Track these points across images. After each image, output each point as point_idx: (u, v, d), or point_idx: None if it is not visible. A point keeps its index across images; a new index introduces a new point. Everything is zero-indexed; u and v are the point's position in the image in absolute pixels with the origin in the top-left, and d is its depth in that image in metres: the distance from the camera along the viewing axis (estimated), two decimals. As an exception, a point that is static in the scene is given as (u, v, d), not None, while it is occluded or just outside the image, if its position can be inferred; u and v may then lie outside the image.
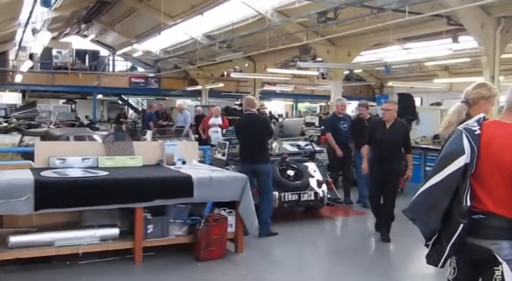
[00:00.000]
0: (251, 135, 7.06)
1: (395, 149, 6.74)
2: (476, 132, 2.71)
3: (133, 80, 29.10)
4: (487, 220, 2.66)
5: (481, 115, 2.83)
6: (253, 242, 6.44)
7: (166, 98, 30.73)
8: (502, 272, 2.64)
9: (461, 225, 2.64)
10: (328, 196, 8.05)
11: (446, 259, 2.76)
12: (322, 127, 11.37)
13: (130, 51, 25.20)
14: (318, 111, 31.70)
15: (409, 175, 6.85)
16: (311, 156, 9.07)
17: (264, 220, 6.74)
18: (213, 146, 10.71)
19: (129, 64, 32.61)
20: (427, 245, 2.84)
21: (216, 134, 12.71)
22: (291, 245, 6.72)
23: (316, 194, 7.86)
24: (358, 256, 6.34)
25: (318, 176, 8.18)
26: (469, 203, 2.65)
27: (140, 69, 32.19)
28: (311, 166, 8.41)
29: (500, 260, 2.64)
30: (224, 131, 12.94)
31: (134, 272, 5.37)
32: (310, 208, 8.36)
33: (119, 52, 28.29)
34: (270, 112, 25.96)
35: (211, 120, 13.34)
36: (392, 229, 6.68)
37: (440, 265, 2.77)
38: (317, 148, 10.49)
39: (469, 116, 3.40)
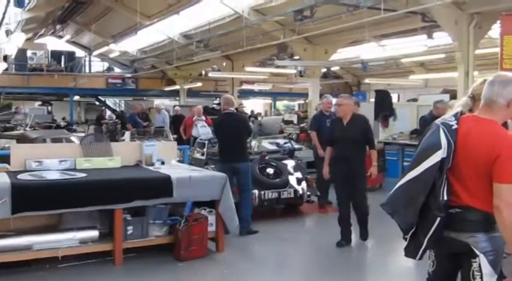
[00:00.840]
0: (230, 134, 7.06)
1: (354, 147, 6.23)
2: (453, 127, 2.76)
3: (110, 80, 28.86)
4: (463, 214, 2.72)
5: (459, 110, 2.89)
6: (234, 241, 6.45)
7: (144, 98, 30.54)
8: (479, 264, 2.71)
9: (438, 219, 2.70)
10: (308, 193, 8.09)
11: (423, 252, 2.82)
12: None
13: (107, 52, 24.99)
14: (296, 109, 31.82)
15: (372, 172, 6.32)
16: (290, 154, 9.11)
17: (244, 219, 6.75)
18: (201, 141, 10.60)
19: (106, 65, 32.28)
20: (404, 238, 2.90)
21: (205, 129, 12.49)
22: (271, 242, 6.74)
23: (295, 191, 7.89)
24: (338, 253, 6.39)
25: (297, 173, 8.22)
26: (445, 197, 2.70)
27: (117, 70, 31.91)
28: (290, 164, 8.45)
29: (477, 252, 2.70)
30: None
31: (115, 274, 5.34)
32: (290, 206, 8.39)
33: (95, 53, 28.07)
34: (252, 111, 26.00)
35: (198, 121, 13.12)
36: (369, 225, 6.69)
37: (418, 257, 2.83)
38: (296, 146, 10.54)
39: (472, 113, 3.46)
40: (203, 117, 13.31)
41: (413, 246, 2.85)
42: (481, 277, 2.72)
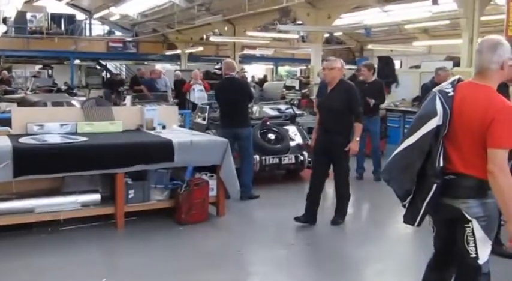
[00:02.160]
0: (230, 100, 7.01)
1: (336, 117, 5.63)
2: (449, 94, 2.78)
3: (111, 44, 28.58)
4: (458, 180, 2.76)
5: (456, 77, 2.90)
6: (234, 205, 6.49)
7: (145, 62, 30.32)
8: (472, 229, 2.76)
9: (435, 185, 2.75)
10: (309, 159, 8.10)
11: (422, 218, 2.87)
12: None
13: (107, 15, 24.70)
14: (298, 75, 31.63)
15: (352, 148, 5.70)
16: (292, 119, 9.09)
17: (245, 184, 6.78)
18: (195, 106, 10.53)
19: (107, 28, 31.95)
20: (403, 206, 2.93)
21: (201, 93, 12.45)
22: (271, 208, 6.78)
23: (296, 157, 7.90)
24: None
25: (298, 139, 8.23)
26: (442, 164, 2.74)
27: (118, 34, 31.59)
28: (292, 130, 8.45)
29: (469, 218, 2.75)
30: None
31: (116, 237, 5.40)
32: (291, 171, 8.42)
33: (95, 16, 27.72)
34: (253, 77, 25.81)
35: (196, 86, 12.97)
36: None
37: (416, 223, 2.88)
38: (297, 112, 10.52)
39: None
40: (200, 82, 13.19)
41: (411, 213, 2.90)
42: (475, 242, 2.78)
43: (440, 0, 13.90)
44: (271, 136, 8.00)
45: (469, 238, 2.79)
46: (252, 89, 7.22)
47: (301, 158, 7.95)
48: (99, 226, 5.51)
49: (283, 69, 36.56)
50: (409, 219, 2.93)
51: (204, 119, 8.98)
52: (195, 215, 5.75)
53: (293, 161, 7.89)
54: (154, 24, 25.46)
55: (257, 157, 7.46)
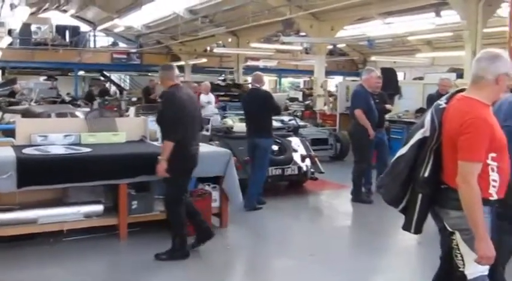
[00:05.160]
0: (252, 110, 7.17)
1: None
2: (440, 107, 2.83)
3: (115, 55, 28.78)
4: (446, 191, 2.81)
5: (452, 91, 2.93)
6: (238, 216, 6.47)
7: (149, 74, 30.44)
8: (457, 241, 2.79)
9: (420, 195, 2.83)
10: (312, 170, 8.11)
11: (417, 226, 2.92)
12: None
13: (112, 27, 24.83)
14: (301, 86, 31.69)
15: (159, 168, 4.88)
16: (295, 131, 9.10)
17: (252, 193, 6.90)
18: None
19: (111, 40, 32.13)
20: (400, 211, 3.04)
21: (208, 105, 11.72)
22: (275, 219, 6.78)
23: (299, 168, 7.91)
24: (340, 231, 6.43)
25: (301, 150, 8.23)
26: (427, 174, 2.80)
27: (122, 45, 31.76)
28: (295, 141, 8.46)
29: (450, 229, 2.80)
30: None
31: (119, 248, 5.40)
32: (294, 182, 8.42)
33: (99, 27, 27.85)
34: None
35: (202, 98, 11.89)
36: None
37: (412, 230, 2.94)
38: (301, 123, 10.54)
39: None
40: (210, 95, 12.48)
41: (408, 220, 2.97)
42: (461, 256, 2.78)
43: (443, 12, 13.99)
44: (275, 147, 7.99)
45: (456, 251, 2.79)
46: (275, 100, 7.14)
47: (304, 169, 7.95)
48: (102, 237, 5.50)
49: (286, 81, 36.65)
50: (406, 226, 3.00)
51: (207, 130, 8.99)
52: (198, 226, 5.73)
53: (296, 172, 7.89)
54: (158, 36, 25.59)
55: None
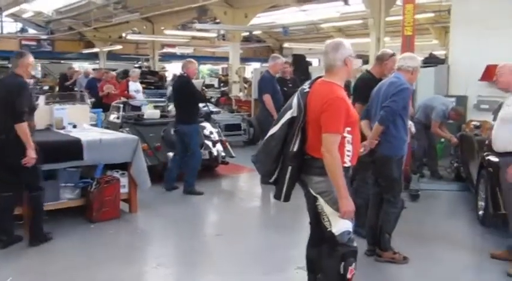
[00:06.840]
0: (177, 97, 7.44)
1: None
2: (305, 91, 3.30)
3: (24, 42, 27.58)
4: (309, 160, 3.25)
5: (316, 77, 3.39)
6: (147, 202, 6.56)
7: (62, 61, 29.42)
8: (322, 205, 3.23)
9: (290, 167, 3.24)
10: (223, 154, 8.31)
11: (286, 195, 3.32)
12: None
13: (20, 12, 23.77)
14: (220, 73, 31.82)
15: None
16: (207, 117, 9.24)
17: (186, 180, 7.25)
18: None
19: (19, 25, 30.65)
20: (270, 183, 3.40)
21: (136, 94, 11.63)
22: (186, 203, 6.91)
23: (210, 153, 8.10)
24: (251, 212, 6.68)
25: (213, 136, 8.41)
26: (295, 149, 3.21)
27: (32, 31, 30.40)
28: (207, 126, 8.60)
29: (314, 194, 3.24)
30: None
31: (26, 237, 5.34)
32: (206, 167, 8.58)
33: (6, 12, 26.51)
34: (174, 75, 25.50)
35: (131, 86, 11.84)
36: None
37: (282, 199, 3.33)
38: (214, 109, 10.70)
39: None
40: (138, 83, 12.15)
41: (278, 190, 3.35)
42: (327, 217, 3.21)
43: (352, 1, 14.55)
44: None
45: (323, 215, 3.24)
46: (195, 87, 7.17)
47: (215, 154, 8.15)
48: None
49: (205, 68, 36.63)
50: (277, 195, 3.37)
51: (118, 117, 8.97)
52: (107, 212, 5.80)
53: (207, 157, 8.05)
54: (70, 22, 24.76)
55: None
